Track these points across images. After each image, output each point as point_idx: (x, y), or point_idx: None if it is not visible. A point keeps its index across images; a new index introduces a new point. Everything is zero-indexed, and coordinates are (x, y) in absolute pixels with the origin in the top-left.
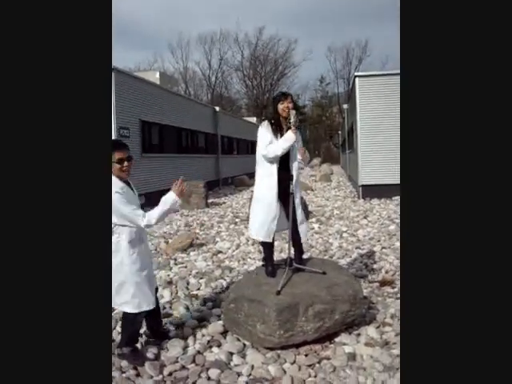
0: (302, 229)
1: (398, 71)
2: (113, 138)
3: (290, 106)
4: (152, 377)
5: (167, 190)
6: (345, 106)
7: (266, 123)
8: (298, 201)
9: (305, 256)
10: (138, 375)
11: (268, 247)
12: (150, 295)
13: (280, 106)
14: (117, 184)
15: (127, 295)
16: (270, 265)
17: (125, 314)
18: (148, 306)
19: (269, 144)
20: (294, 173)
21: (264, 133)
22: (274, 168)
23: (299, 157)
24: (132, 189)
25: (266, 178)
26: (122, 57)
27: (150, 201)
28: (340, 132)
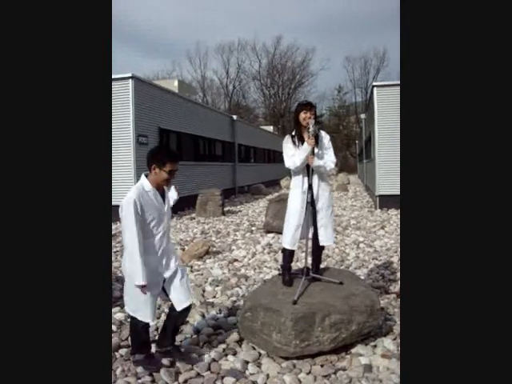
0: (321, 232)
1: None
2: (132, 145)
3: (312, 116)
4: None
5: (185, 198)
6: (362, 116)
7: (286, 137)
8: (320, 205)
9: (321, 266)
10: (153, 381)
11: (288, 256)
12: (148, 309)
13: (302, 116)
14: (146, 185)
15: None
16: (288, 274)
17: (130, 320)
18: (143, 318)
19: (291, 156)
20: (315, 181)
21: (286, 145)
22: (299, 179)
23: (321, 162)
24: (163, 196)
25: (293, 188)
26: (141, 65)
27: None
28: (357, 141)
